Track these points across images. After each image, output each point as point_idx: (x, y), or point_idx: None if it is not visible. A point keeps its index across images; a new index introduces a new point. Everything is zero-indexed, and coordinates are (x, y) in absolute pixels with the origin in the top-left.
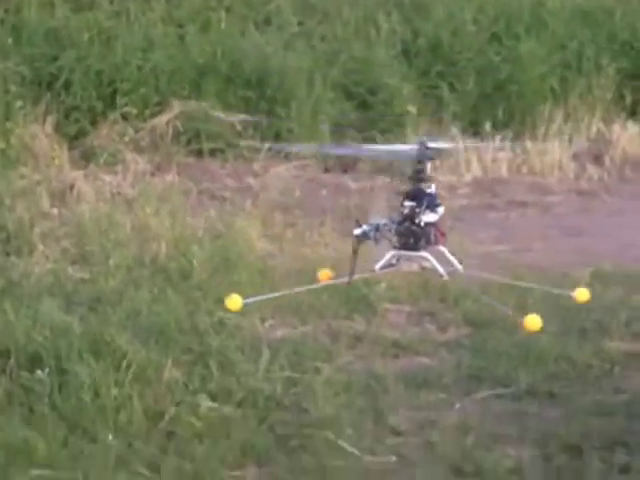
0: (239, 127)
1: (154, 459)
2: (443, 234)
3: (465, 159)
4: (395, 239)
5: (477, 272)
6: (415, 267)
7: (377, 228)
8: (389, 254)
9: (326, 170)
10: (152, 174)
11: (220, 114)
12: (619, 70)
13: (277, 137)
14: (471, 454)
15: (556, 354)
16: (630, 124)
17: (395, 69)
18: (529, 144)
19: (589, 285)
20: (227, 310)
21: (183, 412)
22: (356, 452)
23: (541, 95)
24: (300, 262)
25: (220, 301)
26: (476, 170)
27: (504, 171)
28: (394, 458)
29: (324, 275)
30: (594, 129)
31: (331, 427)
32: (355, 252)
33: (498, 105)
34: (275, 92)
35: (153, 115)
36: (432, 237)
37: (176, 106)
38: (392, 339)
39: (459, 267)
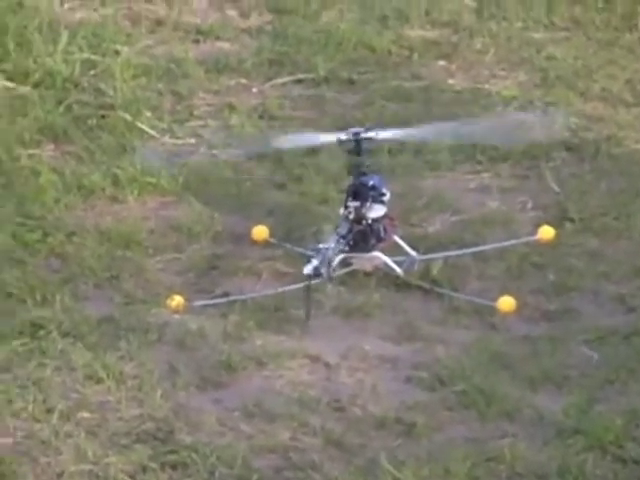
0: None
1: None
2: (393, 221)
3: None
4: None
5: (432, 255)
6: (368, 267)
7: (327, 258)
8: (339, 258)
9: None
10: None
11: None
12: None
13: None
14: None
15: (356, 40)
16: None
17: None
18: None
19: None
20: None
21: None
22: (155, 134)
23: None
24: None
25: None
26: None
27: None
28: (193, 140)
29: (259, 234)
30: None
31: (129, 109)
32: (308, 291)
33: None
34: None
35: None
36: (382, 232)
37: None
38: (194, 24)
39: (414, 254)
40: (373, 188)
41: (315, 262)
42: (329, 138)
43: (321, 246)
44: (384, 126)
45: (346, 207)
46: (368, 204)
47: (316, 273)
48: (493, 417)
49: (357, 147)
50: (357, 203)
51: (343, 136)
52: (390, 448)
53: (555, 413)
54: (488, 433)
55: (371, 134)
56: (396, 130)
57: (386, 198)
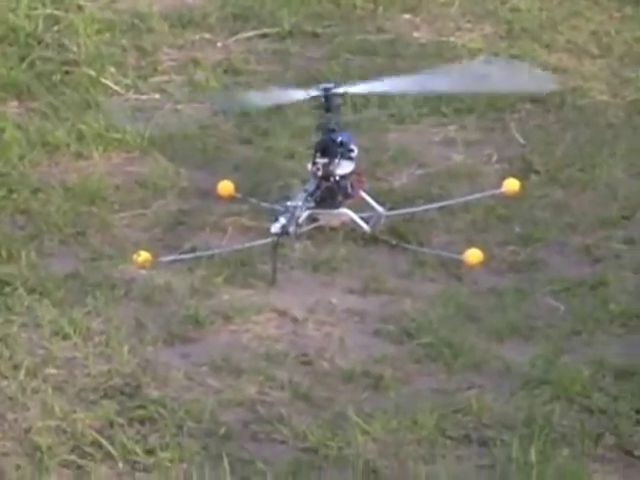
0: None
1: None
2: (360, 177)
3: None
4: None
5: (399, 211)
6: (335, 223)
7: (295, 217)
8: (305, 214)
9: None
10: None
11: None
12: None
13: None
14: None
15: None
16: None
17: None
18: None
19: None
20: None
21: None
22: (119, 89)
23: None
24: None
25: None
26: None
27: None
28: (158, 96)
29: (224, 189)
30: None
31: (93, 65)
32: (275, 249)
33: None
34: None
35: None
36: (349, 189)
37: None
38: None
39: (381, 210)
40: (341, 144)
41: (282, 220)
42: (299, 95)
43: (289, 204)
44: (350, 80)
45: (314, 163)
46: (336, 161)
47: (283, 231)
48: (460, 369)
49: (326, 103)
50: (325, 160)
51: (313, 92)
52: (358, 401)
53: (522, 364)
54: (455, 385)
55: (341, 90)
56: (363, 84)
57: (354, 154)
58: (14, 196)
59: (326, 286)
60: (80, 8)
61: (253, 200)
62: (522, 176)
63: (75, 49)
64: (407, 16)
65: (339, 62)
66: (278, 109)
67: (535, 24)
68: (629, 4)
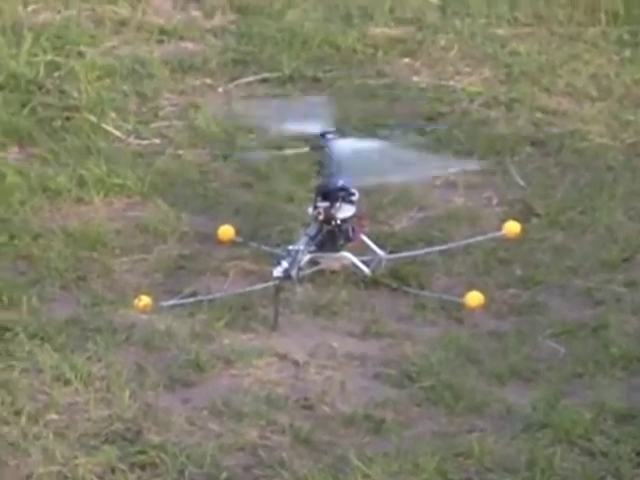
0: None
1: None
2: (362, 221)
3: None
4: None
5: (399, 254)
6: (336, 267)
7: (296, 260)
8: (305, 258)
9: None
10: None
11: None
12: None
13: None
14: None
15: (321, 39)
16: None
17: None
18: None
19: None
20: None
21: None
22: (120, 135)
23: None
24: None
25: None
26: None
27: None
28: (158, 141)
29: (225, 233)
30: None
31: (94, 111)
32: (277, 293)
33: None
34: None
35: None
36: (350, 232)
37: None
38: (158, 24)
39: (381, 253)
40: (342, 188)
41: (285, 264)
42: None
43: (290, 247)
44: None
45: (315, 207)
46: (337, 204)
47: (286, 275)
48: (461, 412)
49: (327, 147)
50: (326, 204)
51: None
52: (359, 445)
53: (523, 407)
54: (456, 428)
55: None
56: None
57: (355, 198)
58: (15, 242)
59: (327, 330)
60: (81, 54)
61: (254, 244)
62: (523, 219)
63: (76, 95)
64: (406, 60)
65: (339, 106)
66: (278, 151)
67: (534, 67)
68: (628, 47)
